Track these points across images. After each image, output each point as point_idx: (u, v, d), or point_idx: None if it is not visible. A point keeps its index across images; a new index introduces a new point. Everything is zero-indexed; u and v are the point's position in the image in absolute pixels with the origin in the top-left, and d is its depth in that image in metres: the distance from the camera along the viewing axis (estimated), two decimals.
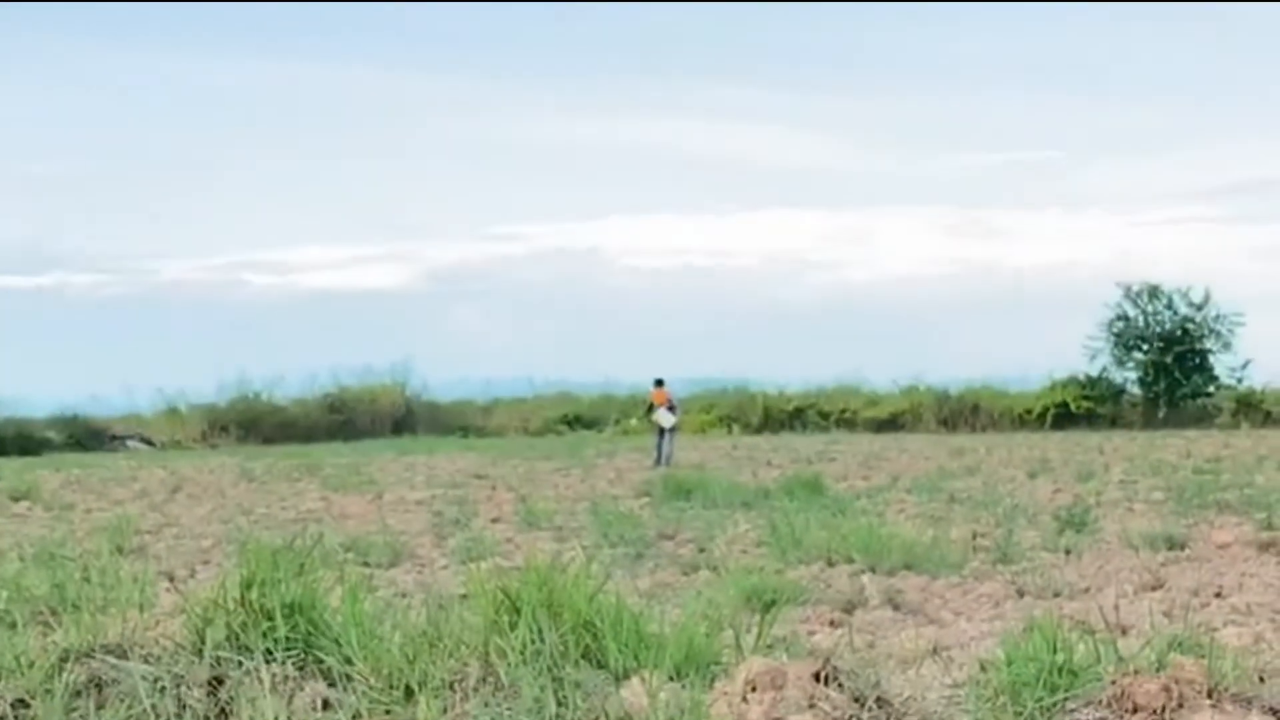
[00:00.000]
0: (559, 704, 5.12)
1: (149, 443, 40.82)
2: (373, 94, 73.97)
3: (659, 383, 28.12)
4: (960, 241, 73.10)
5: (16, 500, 19.73)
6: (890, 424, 42.79)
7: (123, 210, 65.88)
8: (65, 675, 5.46)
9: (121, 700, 5.35)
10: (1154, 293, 43.87)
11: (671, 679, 5.46)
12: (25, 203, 64.31)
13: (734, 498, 16.62)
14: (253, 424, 42.53)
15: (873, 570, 10.31)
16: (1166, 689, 5.08)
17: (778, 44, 77.38)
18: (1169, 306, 43.82)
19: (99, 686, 5.51)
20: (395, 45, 74.67)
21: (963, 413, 43.37)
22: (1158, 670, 5.23)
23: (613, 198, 75.65)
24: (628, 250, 66.89)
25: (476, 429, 44.58)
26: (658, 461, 25.93)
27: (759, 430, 42.59)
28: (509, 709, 5.15)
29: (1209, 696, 5.05)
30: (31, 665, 5.51)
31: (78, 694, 5.43)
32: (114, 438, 41.33)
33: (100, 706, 5.31)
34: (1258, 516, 13.76)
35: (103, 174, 67.25)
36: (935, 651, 7.14)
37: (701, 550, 12.11)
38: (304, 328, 61.38)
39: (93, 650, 5.70)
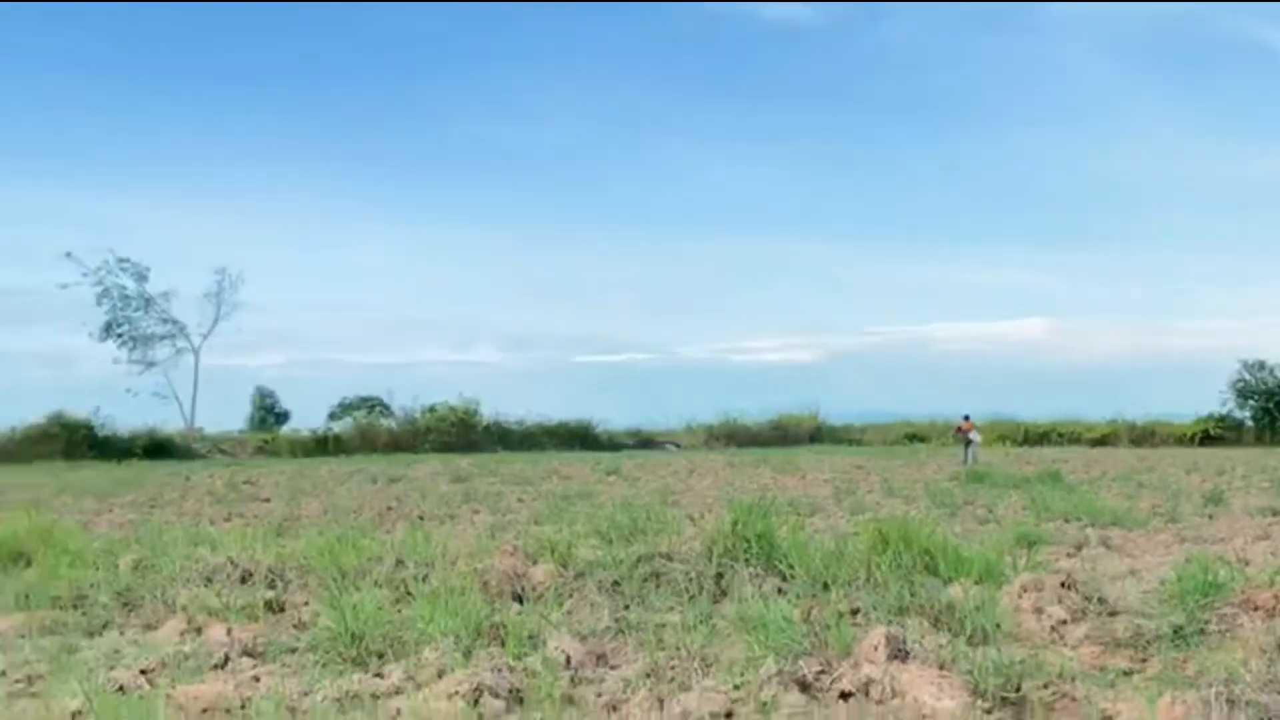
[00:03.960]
0: (911, 595, 7.89)
1: (677, 446, 60.20)
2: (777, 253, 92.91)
3: (966, 417, 39.95)
4: (1145, 331, 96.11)
5: (609, 475, 28.92)
6: (1100, 442, 60.27)
7: (662, 311, 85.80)
8: (639, 568, 8.86)
9: (669, 583, 8.68)
10: (1261, 365, 62.65)
11: (976, 584, 8.25)
12: (605, 307, 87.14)
13: (1008, 482, 23.29)
14: (731, 436, 62.11)
15: (1092, 525, 14.67)
16: (1276, 596, 7.58)
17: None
18: (1271, 373, 62.18)
19: (657, 575, 8.79)
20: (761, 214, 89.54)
21: (1145, 436, 61.82)
22: (1270, 585, 7.79)
23: (931, 311, 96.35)
24: (941, 340, 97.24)
25: (857, 441, 63.03)
26: (964, 462, 35.07)
27: (1021, 444, 58.64)
28: (882, 597, 7.92)
29: None
30: (621, 563, 8.97)
31: (645, 579, 8.75)
32: (658, 443, 61.25)
33: (657, 586, 8.66)
34: None
35: (642, 283, 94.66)
36: (1132, 573, 9.69)
37: (990, 511, 16.91)
38: (758, 386, 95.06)
39: (654, 555, 9.08)
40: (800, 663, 6.41)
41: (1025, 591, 8.13)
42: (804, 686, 6.18)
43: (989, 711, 5.78)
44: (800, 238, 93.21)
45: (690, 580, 8.76)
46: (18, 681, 6.84)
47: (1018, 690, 5.98)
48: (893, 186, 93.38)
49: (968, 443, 38.36)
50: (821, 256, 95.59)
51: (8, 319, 79.51)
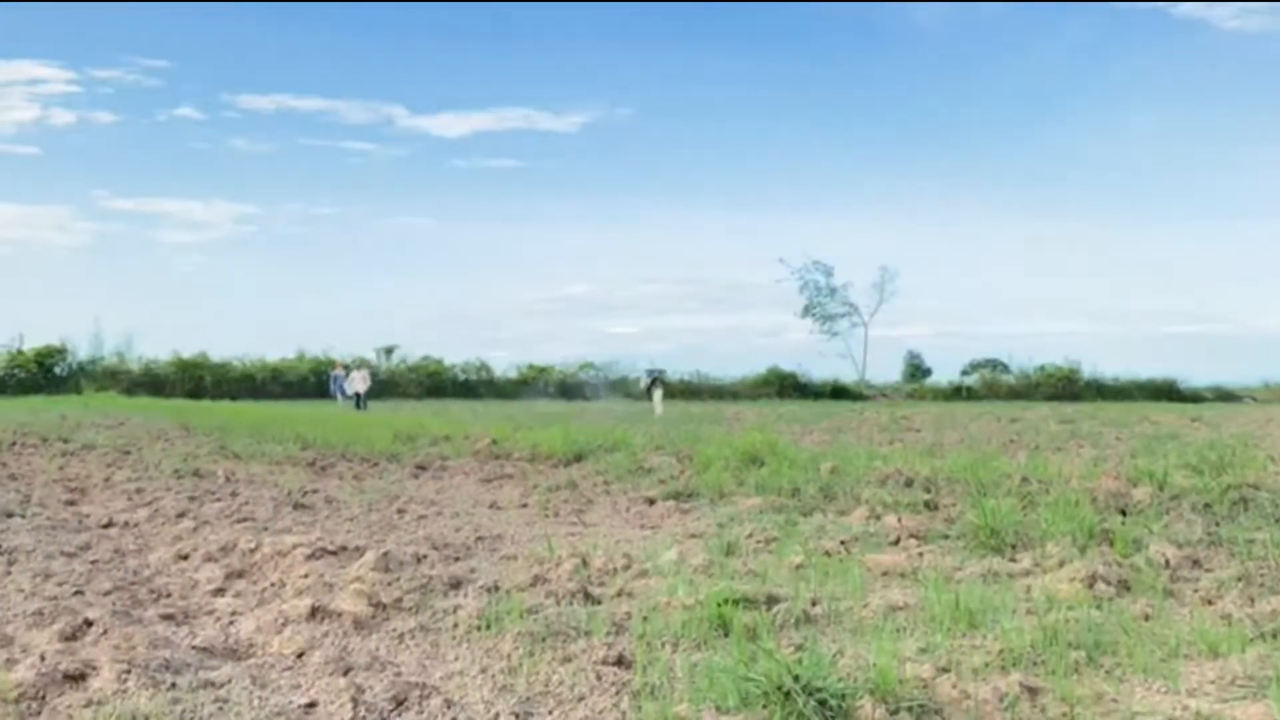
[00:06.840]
0: None
1: (1254, 399, 53.07)
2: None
3: None
4: None
5: (1193, 421, 25.45)
6: None
7: (1235, 289, 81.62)
8: (1228, 494, 7.85)
9: (1257, 508, 7.59)
10: None
11: None
12: (1185, 287, 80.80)
13: None
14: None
15: None
16: None
17: None
18: None
19: (1244, 501, 7.79)
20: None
21: None
22: None
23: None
24: None
25: (1238, 399, 53.58)
26: None
27: None
28: None
29: None
30: (1211, 489, 8.05)
31: (1234, 503, 7.68)
32: (1237, 398, 53.95)
33: (1245, 510, 7.52)
34: None
35: (1217, 267, 79.86)
36: None
37: None
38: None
39: (1242, 484, 8.03)
40: None
41: None
42: None
43: None
44: None
45: (1276, 506, 7.67)
46: (759, 541, 7.44)
47: None
48: None
49: None
50: None
51: (741, 305, 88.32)
